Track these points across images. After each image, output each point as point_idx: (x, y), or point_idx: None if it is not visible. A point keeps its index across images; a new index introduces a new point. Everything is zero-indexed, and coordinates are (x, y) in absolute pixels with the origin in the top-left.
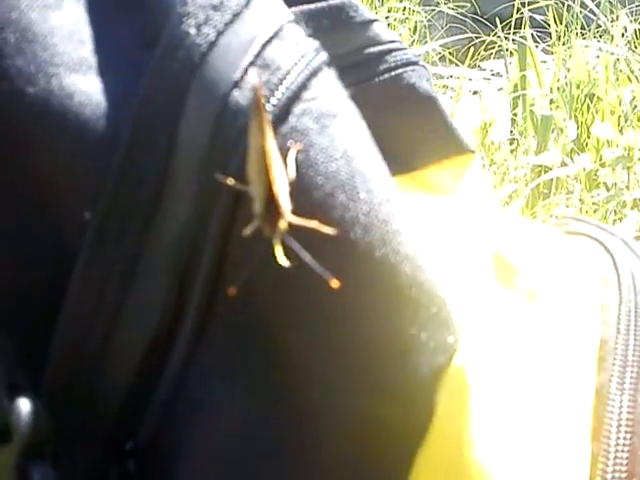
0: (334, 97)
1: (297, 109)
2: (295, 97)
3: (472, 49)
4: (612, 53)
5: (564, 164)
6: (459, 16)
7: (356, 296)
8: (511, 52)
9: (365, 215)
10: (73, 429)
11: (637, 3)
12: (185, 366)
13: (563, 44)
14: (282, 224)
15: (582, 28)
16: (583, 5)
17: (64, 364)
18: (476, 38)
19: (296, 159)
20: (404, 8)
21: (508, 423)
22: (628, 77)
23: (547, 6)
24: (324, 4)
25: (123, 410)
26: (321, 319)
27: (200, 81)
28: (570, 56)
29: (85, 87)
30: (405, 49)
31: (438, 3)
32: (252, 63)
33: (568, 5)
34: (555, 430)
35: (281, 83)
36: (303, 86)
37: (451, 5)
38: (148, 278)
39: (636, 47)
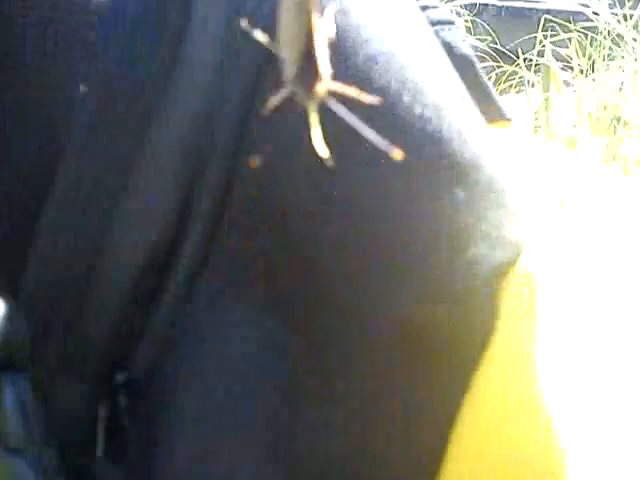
0: None
1: None
2: None
3: (493, 79)
4: None
5: None
6: (483, 47)
7: (397, 175)
8: (533, 83)
9: (414, 82)
10: (57, 354)
11: None
12: (190, 285)
13: (585, 76)
14: (320, 88)
15: (605, 59)
16: (609, 36)
17: (46, 274)
18: (497, 68)
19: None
20: None
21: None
22: None
23: (569, 39)
24: None
25: (114, 337)
26: (353, 206)
27: None
28: (594, 79)
29: None
30: (439, 7)
31: None
32: None
33: (592, 37)
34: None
35: None
36: None
37: (472, 38)
38: (149, 176)
39: None
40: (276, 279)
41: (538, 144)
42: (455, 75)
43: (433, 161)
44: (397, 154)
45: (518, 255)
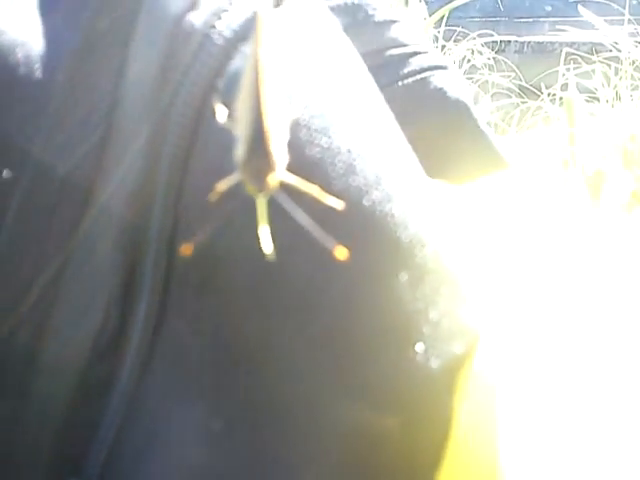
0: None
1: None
2: None
3: (518, 115)
4: None
5: None
6: (506, 84)
7: (344, 263)
8: (558, 118)
9: (348, 151)
10: None
11: None
12: (139, 379)
13: (611, 107)
14: (272, 179)
15: (629, 89)
16: (632, 65)
17: None
18: (522, 103)
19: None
20: None
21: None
22: None
23: (592, 70)
24: (340, 1)
25: (61, 439)
26: (296, 297)
27: (151, 4)
28: (619, 110)
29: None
30: (429, 52)
31: (482, 74)
32: None
33: (616, 67)
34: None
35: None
36: None
37: (496, 74)
38: (87, 262)
39: None
40: (220, 373)
41: (553, 186)
42: (401, 140)
43: (372, 239)
44: (340, 253)
45: (473, 345)
